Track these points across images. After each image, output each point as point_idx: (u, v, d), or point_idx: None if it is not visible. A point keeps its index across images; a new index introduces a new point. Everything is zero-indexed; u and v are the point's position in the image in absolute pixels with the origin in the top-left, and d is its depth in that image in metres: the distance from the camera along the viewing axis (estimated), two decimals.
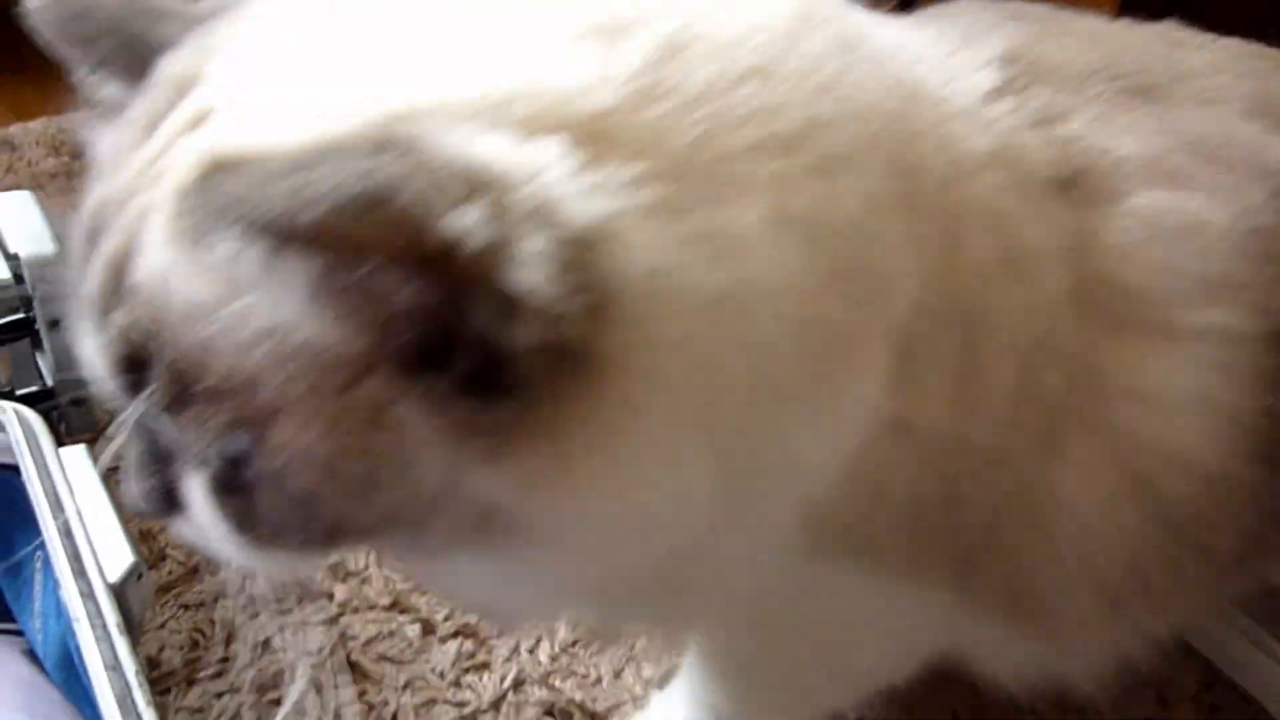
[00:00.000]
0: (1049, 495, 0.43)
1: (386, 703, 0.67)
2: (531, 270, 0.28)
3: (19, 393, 0.69)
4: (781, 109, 0.36)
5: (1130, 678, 0.53)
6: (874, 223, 0.37)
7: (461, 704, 0.67)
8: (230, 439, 0.31)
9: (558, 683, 0.68)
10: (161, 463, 0.35)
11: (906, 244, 0.38)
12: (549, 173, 0.29)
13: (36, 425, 0.57)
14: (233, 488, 0.32)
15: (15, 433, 0.56)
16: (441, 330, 0.29)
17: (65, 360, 0.65)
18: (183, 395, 0.31)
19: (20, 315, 0.71)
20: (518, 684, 0.68)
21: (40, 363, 0.71)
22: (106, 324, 0.32)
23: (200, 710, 0.65)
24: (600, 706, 0.67)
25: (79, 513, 0.52)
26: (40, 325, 0.69)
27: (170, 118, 0.33)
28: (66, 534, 0.50)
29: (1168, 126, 0.46)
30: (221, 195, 0.27)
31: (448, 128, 0.29)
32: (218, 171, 0.28)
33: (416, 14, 0.35)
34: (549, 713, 0.66)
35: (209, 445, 0.31)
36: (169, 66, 0.35)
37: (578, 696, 0.67)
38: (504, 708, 0.67)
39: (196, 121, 0.33)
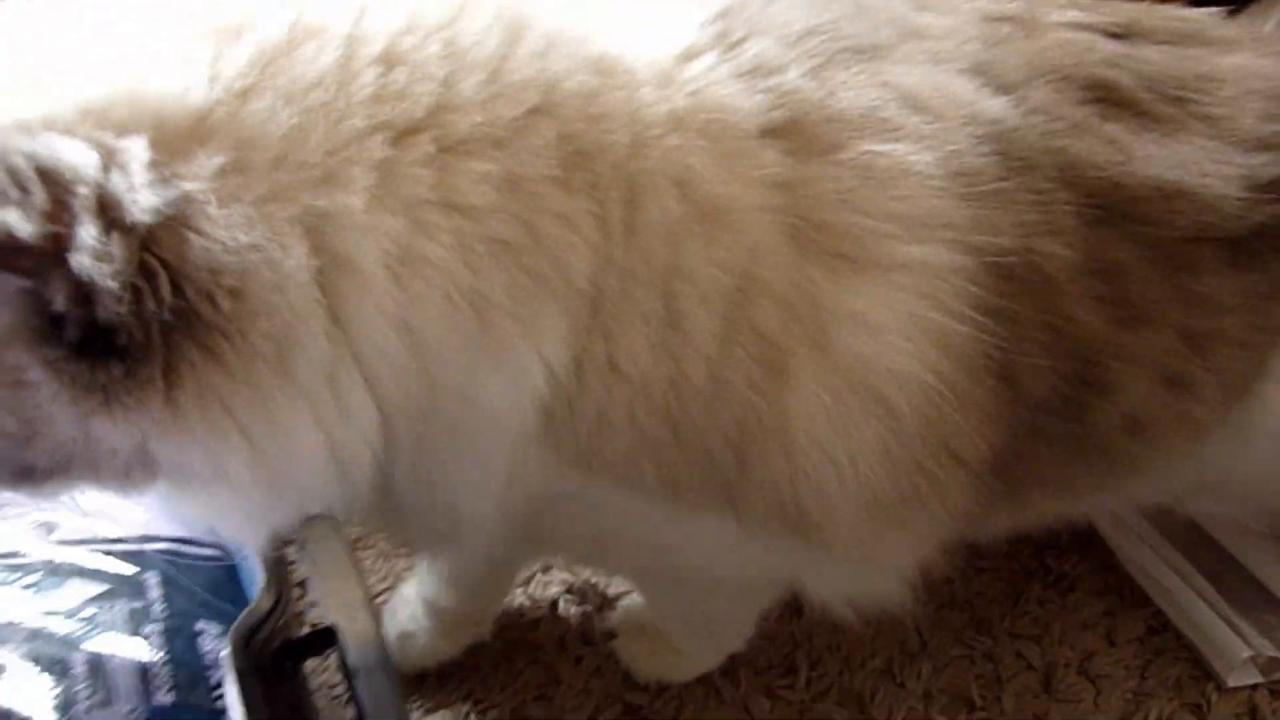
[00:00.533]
0: (784, 420, 0.46)
1: None
2: (90, 256, 0.34)
3: None
4: (406, 95, 0.39)
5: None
6: (528, 201, 0.40)
7: None
8: None
9: (578, 568, 0.80)
10: None
11: (575, 216, 0.41)
12: (118, 170, 0.35)
13: None
14: None
15: None
16: (45, 308, 0.35)
17: None
18: None
19: None
20: (545, 567, 0.80)
21: None
22: None
23: None
24: (612, 591, 0.79)
25: None
26: None
27: None
28: None
29: (884, 81, 0.48)
30: None
31: (27, 133, 0.35)
32: None
33: (65, 26, 0.40)
34: (569, 590, 0.79)
35: None
36: None
37: (593, 580, 0.79)
38: (532, 585, 0.79)
39: None
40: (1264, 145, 0.57)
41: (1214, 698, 0.74)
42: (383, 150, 0.38)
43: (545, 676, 0.74)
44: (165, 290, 0.35)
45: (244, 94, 0.37)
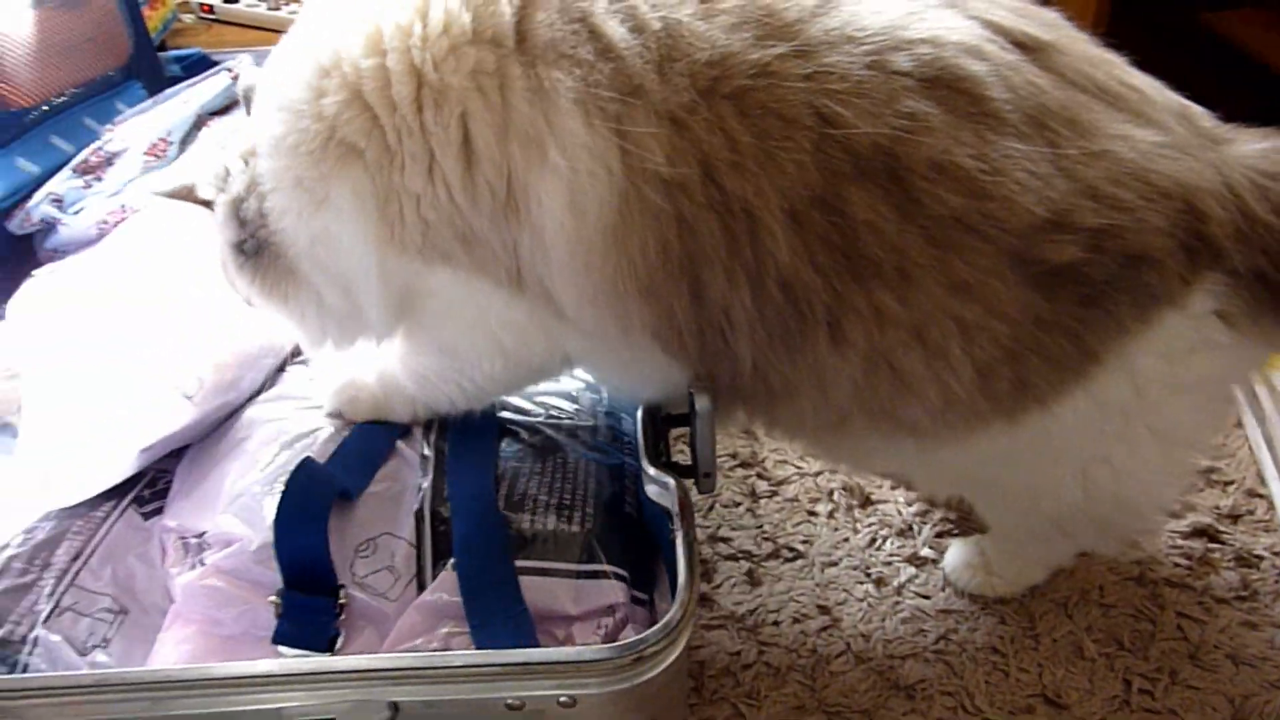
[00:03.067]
0: (534, 214, 0.67)
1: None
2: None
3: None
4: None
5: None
6: (298, 96, 0.68)
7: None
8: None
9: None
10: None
11: (351, 106, 0.67)
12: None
13: None
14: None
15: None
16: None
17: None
18: None
19: None
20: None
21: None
22: None
23: None
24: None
25: None
26: None
27: None
28: None
29: (575, 13, 0.65)
30: None
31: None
32: None
33: None
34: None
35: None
36: None
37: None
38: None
39: None
40: (1095, 197, 0.64)
41: None
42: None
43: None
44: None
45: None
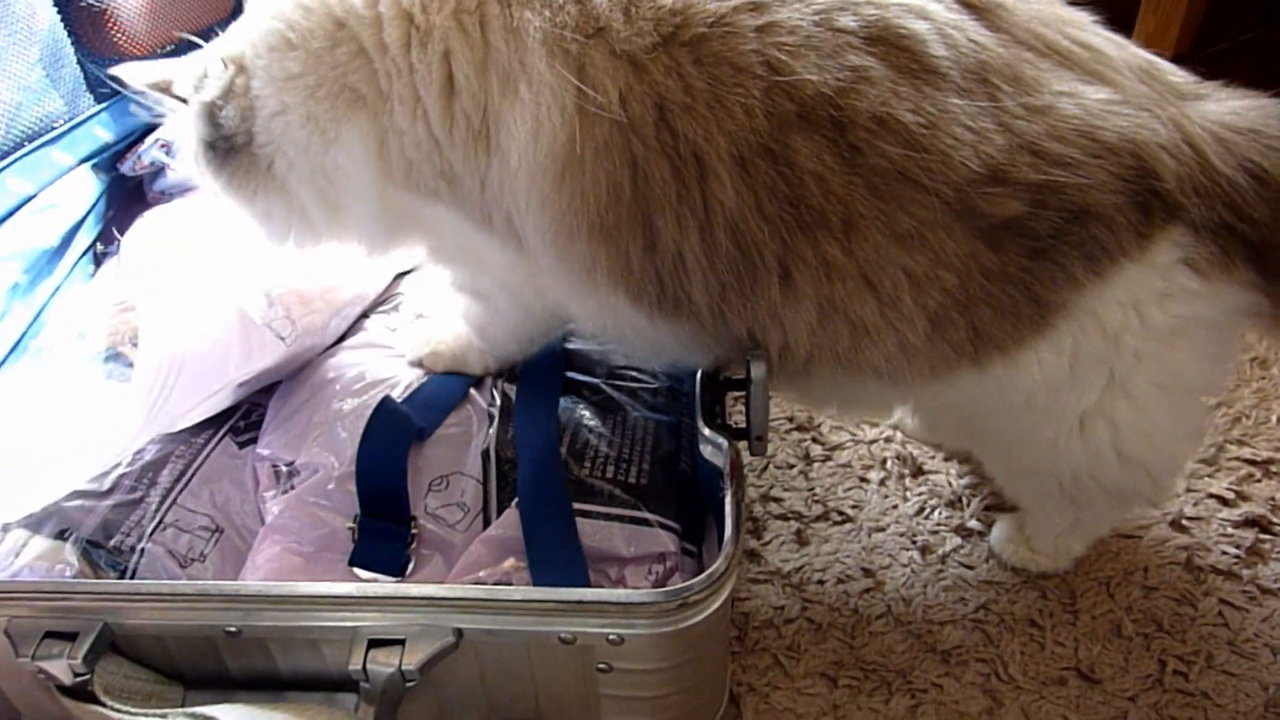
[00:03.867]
0: (503, 141, 0.71)
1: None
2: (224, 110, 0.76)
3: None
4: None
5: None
6: (317, 44, 0.73)
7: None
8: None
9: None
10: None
11: (337, 51, 0.73)
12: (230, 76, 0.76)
13: None
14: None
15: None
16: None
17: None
18: None
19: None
20: None
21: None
22: None
23: None
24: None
25: None
26: None
27: None
28: None
29: None
30: None
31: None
32: None
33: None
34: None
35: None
36: None
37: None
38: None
39: None
40: (1035, 152, 0.65)
41: None
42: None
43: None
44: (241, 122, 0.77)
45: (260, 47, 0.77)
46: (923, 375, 0.74)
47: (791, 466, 1.11)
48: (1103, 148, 0.67)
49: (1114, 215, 0.67)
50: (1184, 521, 1.03)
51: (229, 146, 0.78)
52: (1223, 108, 0.72)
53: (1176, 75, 0.73)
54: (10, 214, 1.01)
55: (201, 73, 0.79)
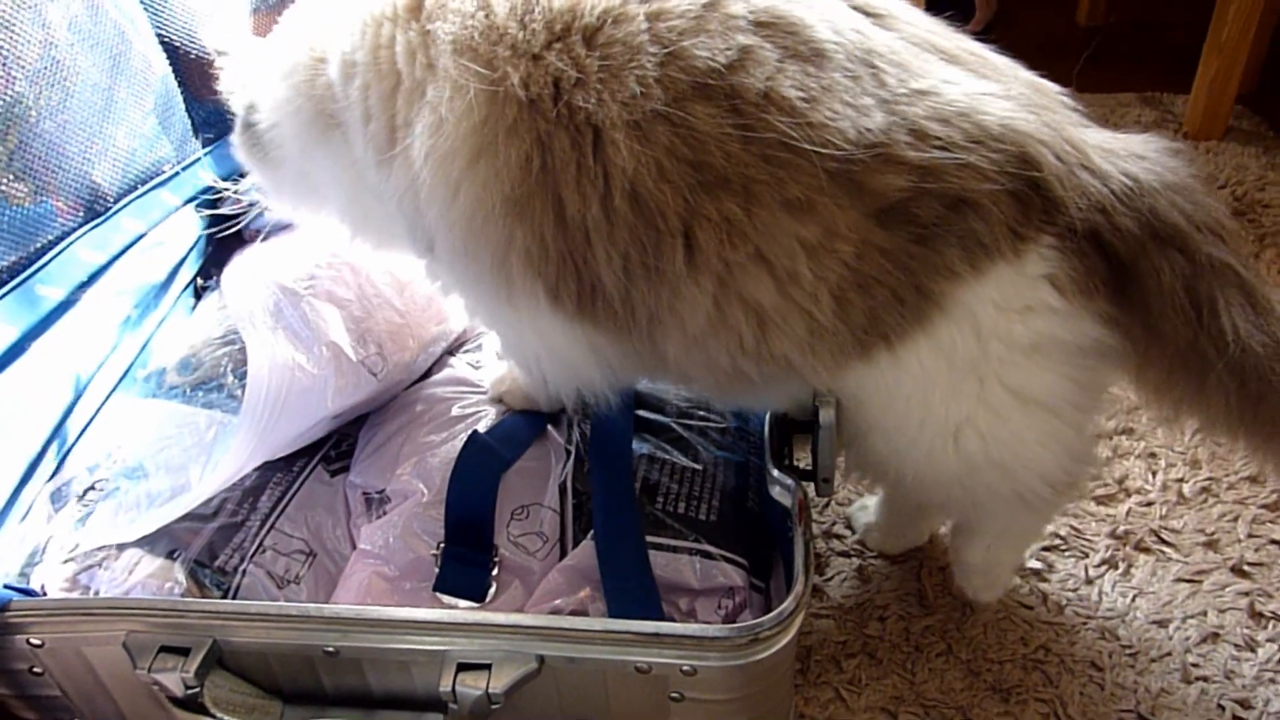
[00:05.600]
0: (410, 144, 0.78)
1: None
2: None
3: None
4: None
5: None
6: (318, 82, 0.84)
7: None
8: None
9: None
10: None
11: (329, 88, 0.83)
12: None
13: None
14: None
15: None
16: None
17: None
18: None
19: None
20: None
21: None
22: None
23: None
24: None
25: None
26: None
27: None
28: None
29: None
30: None
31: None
32: None
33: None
34: None
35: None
36: None
37: None
38: None
39: None
40: (915, 132, 0.68)
41: None
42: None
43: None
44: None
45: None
46: (825, 364, 0.75)
47: (853, 503, 1.14)
48: (984, 133, 0.70)
49: (991, 207, 0.70)
50: (1245, 567, 1.04)
51: (255, 137, 0.95)
52: (1105, 133, 0.76)
53: (1065, 99, 0.77)
54: (123, 252, 1.08)
55: (240, 86, 0.97)
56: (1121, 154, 0.75)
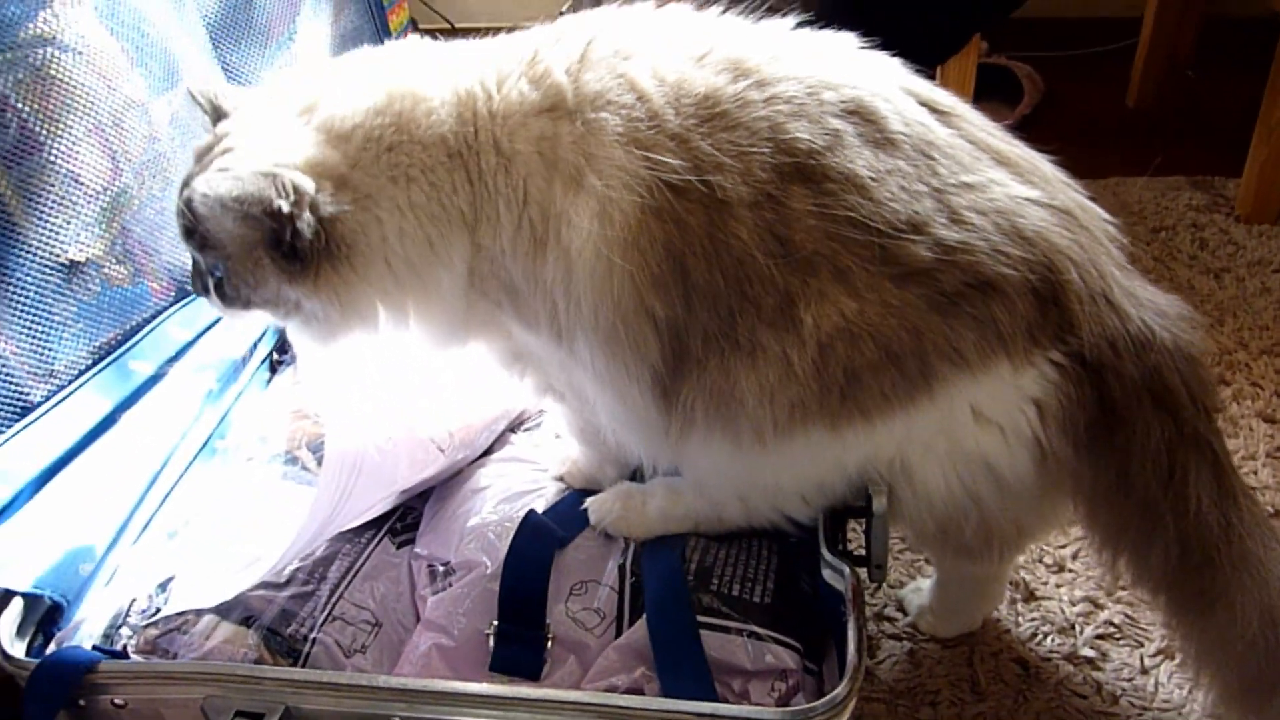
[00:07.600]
0: (564, 236, 0.80)
1: None
2: (302, 220, 0.79)
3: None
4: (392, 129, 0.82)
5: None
6: (437, 177, 0.82)
7: None
8: (215, 266, 0.85)
9: None
10: (201, 275, 0.88)
11: (453, 179, 0.82)
12: (309, 185, 0.79)
13: None
14: (218, 286, 0.86)
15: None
16: (279, 236, 0.80)
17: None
18: (203, 247, 0.83)
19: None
20: None
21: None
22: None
23: None
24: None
25: None
26: None
27: None
28: None
29: (618, 72, 0.81)
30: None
31: (291, 169, 0.79)
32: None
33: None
34: None
35: (211, 268, 0.85)
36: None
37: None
38: None
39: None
40: (954, 218, 0.74)
41: None
42: (386, 162, 0.83)
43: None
44: (315, 235, 0.81)
45: (331, 151, 0.82)
46: (779, 422, 0.79)
47: (904, 585, 1.15)
48: (1017, 233, 0.75)
49: (1015, 299, 0.74)
50: None
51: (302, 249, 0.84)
52: (1135, 280, 0.80)
53: (1110, 226, 0.82)
54: (208, 329, 1.15)
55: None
56: (1145, 303, 0.79)
